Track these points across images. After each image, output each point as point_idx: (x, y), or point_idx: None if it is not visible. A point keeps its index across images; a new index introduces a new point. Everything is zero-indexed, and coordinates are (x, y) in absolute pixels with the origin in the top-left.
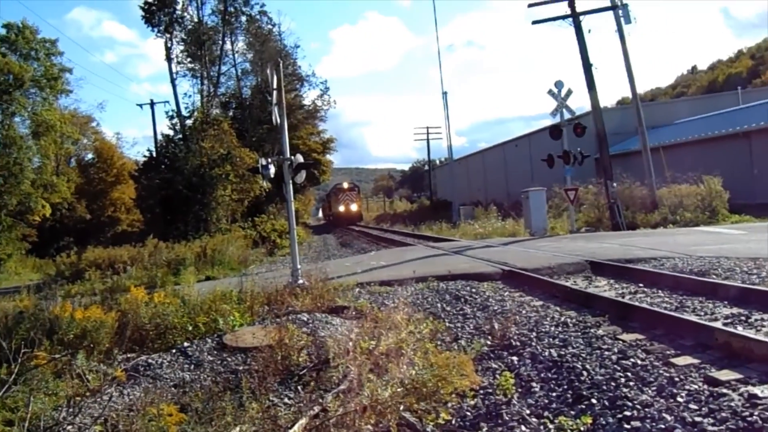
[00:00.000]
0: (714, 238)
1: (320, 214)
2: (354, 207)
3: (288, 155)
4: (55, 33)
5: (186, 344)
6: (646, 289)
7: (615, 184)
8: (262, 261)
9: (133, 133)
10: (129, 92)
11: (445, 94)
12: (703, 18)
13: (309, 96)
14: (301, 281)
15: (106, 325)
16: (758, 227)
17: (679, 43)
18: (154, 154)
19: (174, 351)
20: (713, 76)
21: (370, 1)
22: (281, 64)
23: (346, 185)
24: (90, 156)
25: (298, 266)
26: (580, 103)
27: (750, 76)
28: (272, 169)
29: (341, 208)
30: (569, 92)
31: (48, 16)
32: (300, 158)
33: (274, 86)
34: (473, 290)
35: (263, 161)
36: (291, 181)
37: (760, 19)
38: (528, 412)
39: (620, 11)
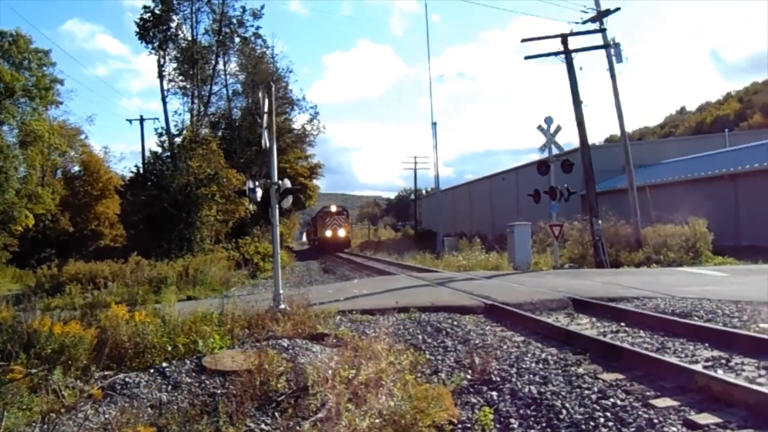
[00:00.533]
0: (697, 280)
1: (304, 238)
2: (342, 232)
3: (276, 179)
4: (49, 43)
5: (164, 365)
6: (627, 329)
7: (600, 222)
8: (244, 283)
9: (121, 147)
10: (119, 107)
11: (434, 124)
12: (693, 60)
13: (298, 120)
14: (282, 306)
15: (84, 342)
16: (741, 270)
17: (669, 83)
18: (141, 171)
19: (152, 371)
20: (701, 117)
21: (364, 29)
22: (273, 88)
23: (334, 209)
24: (76, 168)
25: (281, 291)
26: (569, 138)
27: (737, 119)
28: (259, 193)
29: (328, 233)
30: (558, 128)
31: (42, 26)
32: (288, 183)
33: (266, 110)
34: (455, 323)
35: (250, 184)
36: (277, 206)
37: (749, 63)
38: None
39: (612, 50)
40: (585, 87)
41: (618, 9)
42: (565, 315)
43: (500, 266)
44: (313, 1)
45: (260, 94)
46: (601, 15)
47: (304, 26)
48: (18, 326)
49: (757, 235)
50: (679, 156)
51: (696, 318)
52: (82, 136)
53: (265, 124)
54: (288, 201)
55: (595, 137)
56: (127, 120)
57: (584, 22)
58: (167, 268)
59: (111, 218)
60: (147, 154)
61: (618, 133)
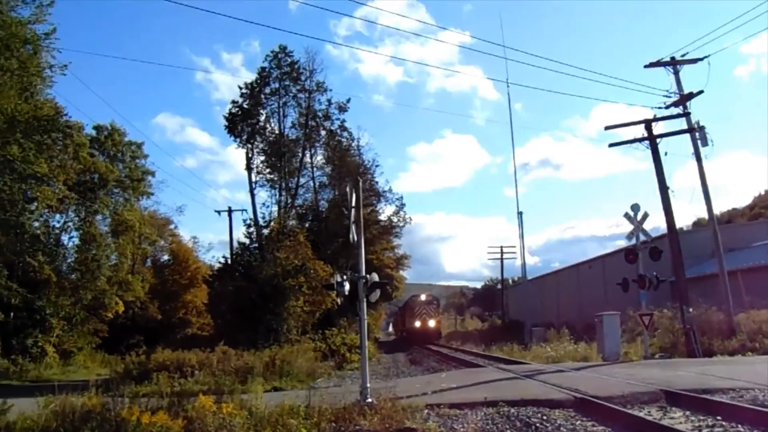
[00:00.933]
0: None
1: (390, 328)
2: (432, 323)
3: (364, 273)
4: (141, 136)
5: None
6: (724, 423)
7: (691, 309)
8: (330, 375)
9: (209, 237)
10: (207, 198)
11: (520, 214)
12: None
13: (385, 211)
14: (370, 400)
15: None
16: None
17: (756, 162)
18: (229, 261)
19: None
20: None
21: (447, 120)
22: (359, 183)
23: (423, 297)
24: (166, 257)
25: (368, 384)
26: (655, 223)
27: None
28: (347, 287)
29: (417, 324)
30: (645, 215)
31: (135, 119)
32: (375, 277)
33: (353, 204)
34: (544, 417)
35: (338, 278)
36: (365, 299)
37: None
38: None
39: (697, 134)
40: (669, 165)
41: (701, 92)
42: (657, 408)
43: (589, 357)
44: (396, 94)
45: (347, 189)
46: (685, 99)
47: (388, 118)
48: (107, 413)
49: None
50: None
51: None
52: (172, 226)
53: (352, 219)
54: (375, 295)
55: (682, 219)
56: (215, 211)
57: (667, 107)
58: (254, 358)
59: (199, 307)
60: (235, 244)
61: (705, 215)
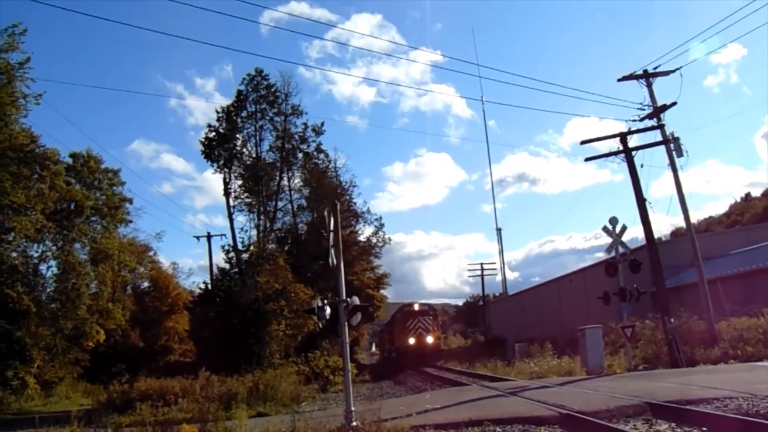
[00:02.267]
0: None
1: (374, 348)
2: (430, 338)
3: (344, 296)
4: (117, 163)
5: None
6: None
7: (672, 320)
8: (314, 398)
9: (188, 262)
10: (185, 223)
11: (499, 230)
12: (748, 144)
13: (364, 232)
14: (354, 423)
15: None
16: None
17: (730, 170)
18: (210, 287)
19: None
20: (767, 203)
21: (421, 139)
22: (338, 206)
23: (417, 307)
24: (146, 284)
25: (352, 408)
26: (634, 234)
27: None
28: (328, 311)
29: (411, 341)
30: (624, 228)
31: (110, 147)
32: (356, 300)
33: (331, 228)
34: None
35: (319, 302)
36: (346, 323)
37: None
38: None
39: (672, 145)
40: (647, 176)
41: (674, 104)
42: (643, 421)
43: (573, 371)
44: (370, 115)
45: (325, 213)
46: (658, 111)
47: (363, 139)
48: None
49: None
50: (747, 245)
51: None
52: (151, 253)
53: (331, 242)
54: (357, 318)
55: (661, 228)
56: (194, 237)
57: (642, 119)
58: (237, 383)
59: (180, 333)
60: (214, 270)
61: (683, 224)
